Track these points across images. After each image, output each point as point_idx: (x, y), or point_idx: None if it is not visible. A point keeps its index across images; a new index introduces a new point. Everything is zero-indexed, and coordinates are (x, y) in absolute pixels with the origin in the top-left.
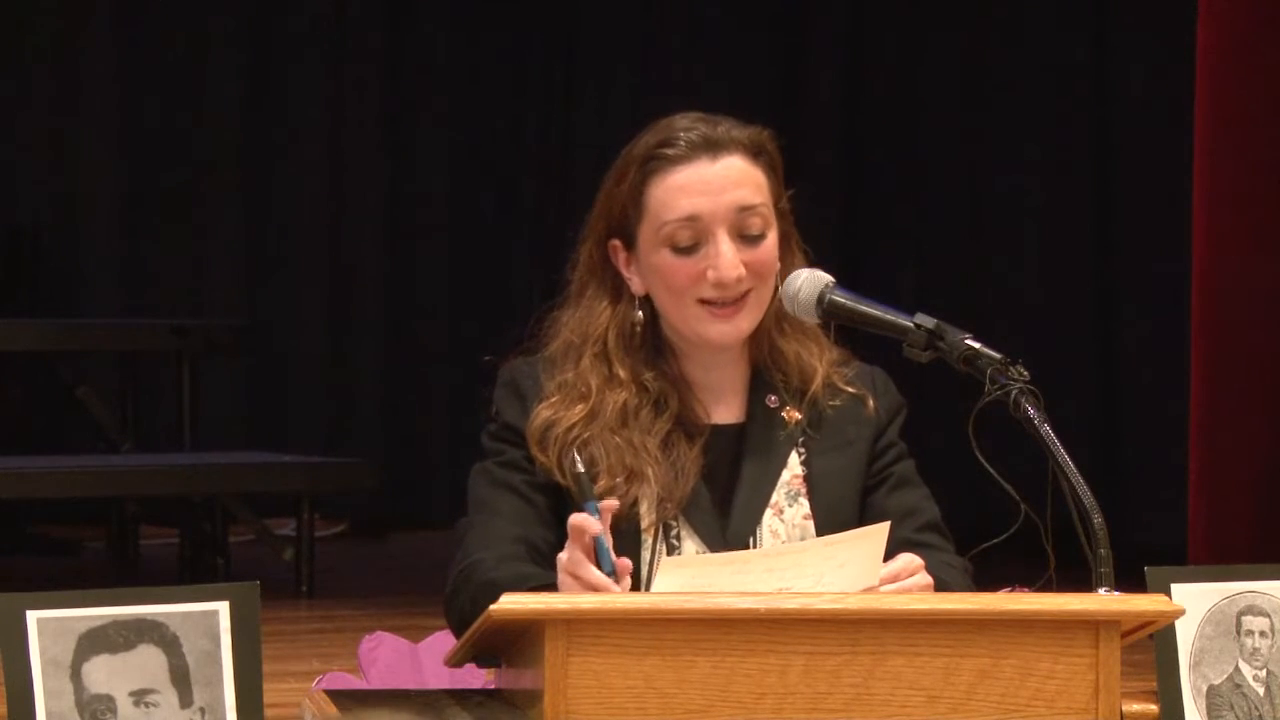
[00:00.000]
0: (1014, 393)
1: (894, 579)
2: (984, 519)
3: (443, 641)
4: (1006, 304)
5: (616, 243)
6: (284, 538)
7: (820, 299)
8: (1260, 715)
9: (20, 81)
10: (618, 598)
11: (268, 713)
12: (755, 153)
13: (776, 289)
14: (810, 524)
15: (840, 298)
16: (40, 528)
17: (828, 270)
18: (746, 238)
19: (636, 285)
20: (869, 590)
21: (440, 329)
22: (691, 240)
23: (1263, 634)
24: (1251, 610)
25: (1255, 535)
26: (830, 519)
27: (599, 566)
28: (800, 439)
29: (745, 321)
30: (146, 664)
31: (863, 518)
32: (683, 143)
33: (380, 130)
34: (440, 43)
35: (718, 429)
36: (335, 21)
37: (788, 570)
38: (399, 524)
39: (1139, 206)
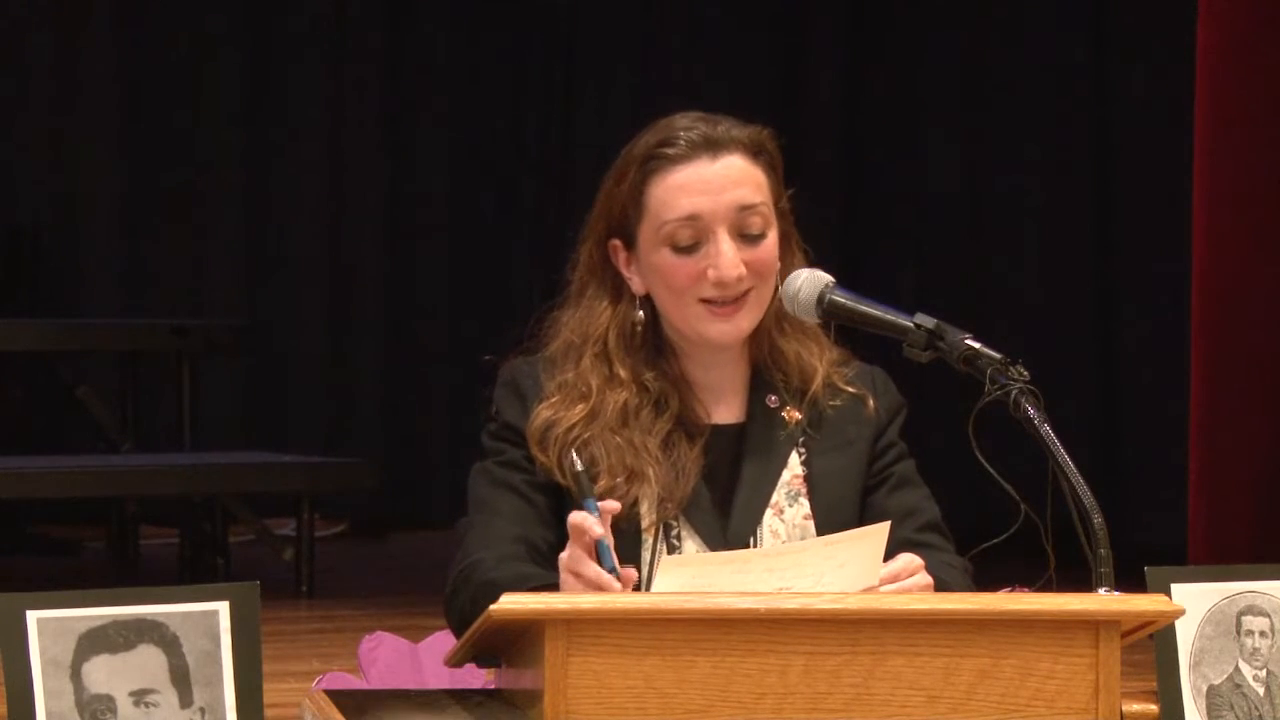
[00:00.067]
0: (1014, 393)
1: (894, 579)
2: (984, 519)
3: (443, 641)
4: (1006, 304)
5: (617, 242)
6: (284, 538)
7: (820, 299)
8: (1260, 715)
9: (20, 81)
10: (618, 598)
11: (268, 713)
12: (755, 152)
13: (777, 288)
14: (810, 524)
15: (840, 298)
16: (40, 528)
17: (828, 270)
18: (747, 237)
19: (637, 285)
20: (869, 590)
21: (440, 329)
22: (692, 239)
23: (1263, 634)
24: (1251, 610)
25: (1255, 535)
26: (830, 519)
27: (600, 565)
28: (800, 439)
29: (746, 321)
30: (146, 664)
31: (863, 518)
32: (683, 142)
33: (380, 130)
34: (440, 43)
35: (718, 429)
36: (335, 21)
37: (788, 570)
38: (399, 524)
39: (1139, 206)
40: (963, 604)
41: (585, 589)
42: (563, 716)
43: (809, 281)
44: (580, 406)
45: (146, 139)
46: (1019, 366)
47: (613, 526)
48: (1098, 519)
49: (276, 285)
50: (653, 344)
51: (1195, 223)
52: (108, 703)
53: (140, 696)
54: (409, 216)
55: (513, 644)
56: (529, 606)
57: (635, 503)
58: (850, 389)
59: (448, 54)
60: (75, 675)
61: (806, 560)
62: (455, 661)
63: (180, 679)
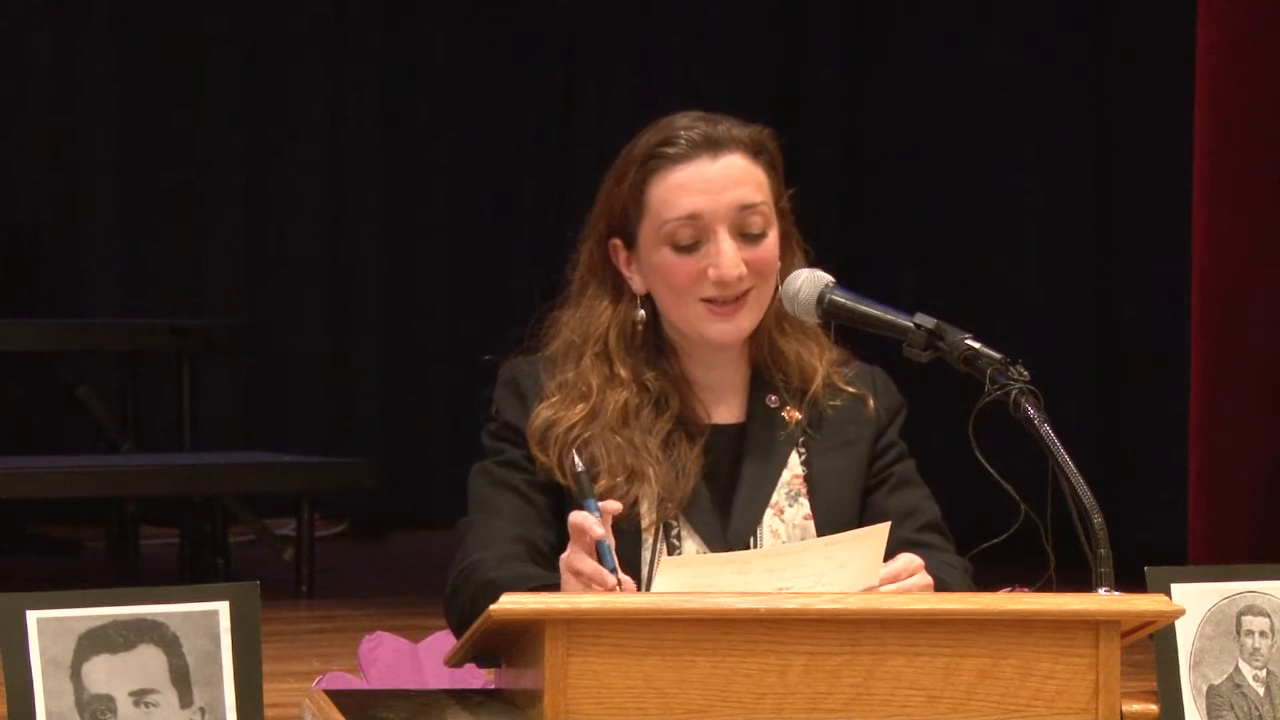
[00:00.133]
0: (1014, 393)
1: (894, 579)
2: (984, 519)
3: (443, 641)
4: (1006, 304)
5: (617, 242)
6: (284, 538)
7: (820, 299)
8: (1260, 715)
9: (20, 81)
10: (618, 598)
11: (268, 713)
12: (756, 151)
13: (777, 288)
14: (810, 524)
15: (840, 298)
16: (40, 528)
17: (828, 270)
18: (747, 236)
19: (637, 284)
20: (869, 590)
21: (440, 329)
22: (692, 239)
23: (1263, 634)
24: (1251, 610)
25: (1255, 535)
26: (830, 519)
27: (601, 566)
28: (800, 439)
29: (746, 320)
30: (146, 664)
31: (863, 518)
32: (683, 141)
33: (380, 130)
34: (440, 43)
35: (718, 429)
36: (335, 21)
37: (788, 570)
38: (399, 524)
39: (1139, 206)
40: (963, 604)
41: (585, 586)
42: (563, 716)
43: (809, 281)
44: (580, 406)
45: (146, 139)
46: (1019, 366)
47: (613, 526)
48: (1098, 519)
49: (276, 285)
50: (653, 344)
51: (1195, 223)
52: (108, 703)
53: (140, 696)
54: (409, 216)
55: (513, 644)
56: (529, 606)
57: (635, 502)
58: (850, 389)
59: (448, 54)
60: (75, 675)
61: (807, 560)
62: (455, 661)
63: (180, 679)
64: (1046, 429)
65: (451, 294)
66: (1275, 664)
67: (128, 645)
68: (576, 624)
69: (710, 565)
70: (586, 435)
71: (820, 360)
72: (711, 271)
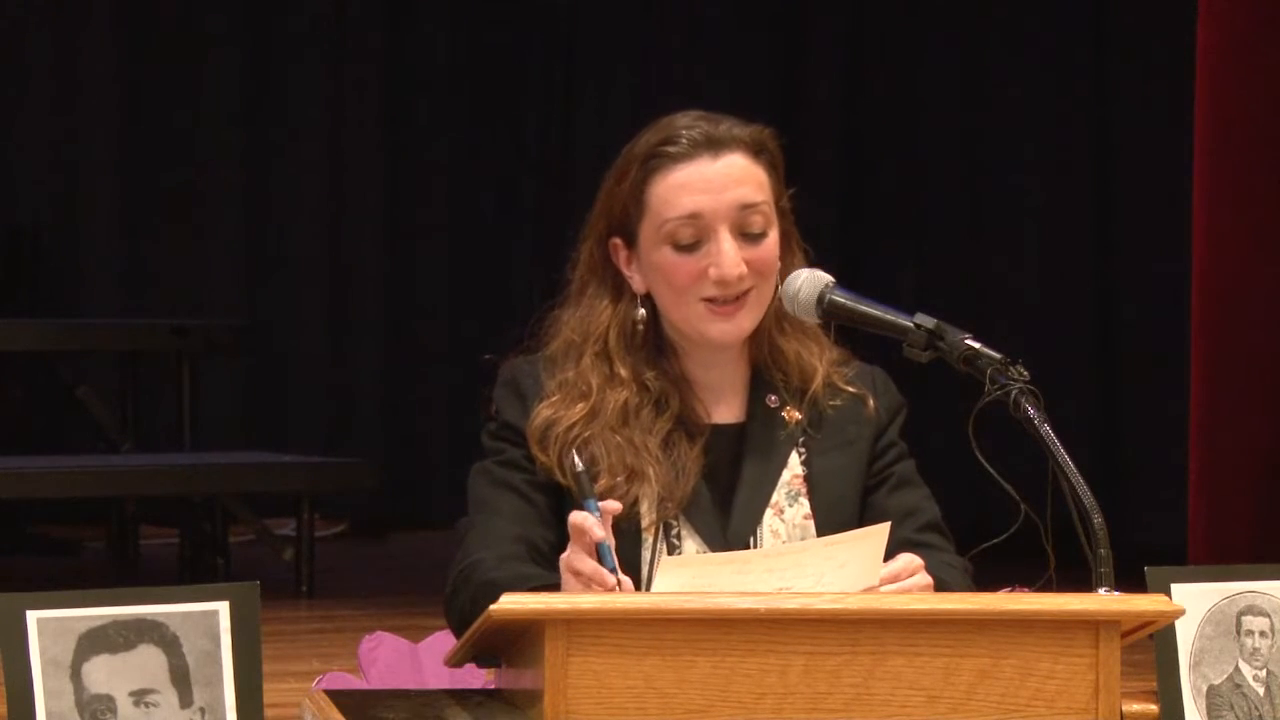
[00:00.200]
0: (1014, 393)
1: (894, 579)
2: (984, 519)
3: (443, 641)
4: (1006, 304)
5: (617, 241)
6: (284, 538)
7: (820, 299)
8: (1260, 715)
9: (20, 81)
10: (618, 598)
11: (268, 713)
12: (757, 151)
13: (777, 288)
14: (810, 524)
15: (840, 298)
16: (40, 528)
17: (828, 270)
18: (748, 236)
19: (637, 284)
20: (869, 590)
21: (440, 329)
22: (693, 238)
23: (1263, 634)
24: (1251, 610)
25: (1255, 535)
26: (830, 519)
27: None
28: (800, 439)
29: (746, 320)
30: (146, 664)
31: (863, 518)
32: (685, 140)
33: (380, 130)
34: (440, 43)
35: (718, 428)
36: (335, 21)
37: (788, 570)
38: (399, 524)
39: (1139, 206)
40: (963, 604)
41: (584, 586)
42: (563, 716)
43: (809, 281)
44: (580, 405)
45: (146, 139)
46: (1019, 366)
47: (613, 526)
48: (1098, 519)
49: (276, 285)
50: (653, 343)
51: (1195, 223)
52: (108, 703)
53: (140, 696)
54: (409, 216)
55: (513, 644)
56: (529, 606)
57: (635, 502)
58: (850, 389)
59: (448, 54)
60: (75, 675)
61: (807, 560)
62: (455, 661)
63: (180, 679)
64: (1046, 429)
65: (451, 294)
66: (1275, 664)
67: (128, 645)
68: (576, 624)
69: (710, 565)
70: (586, 435)
71: (820, 360)
72: (712, 271)
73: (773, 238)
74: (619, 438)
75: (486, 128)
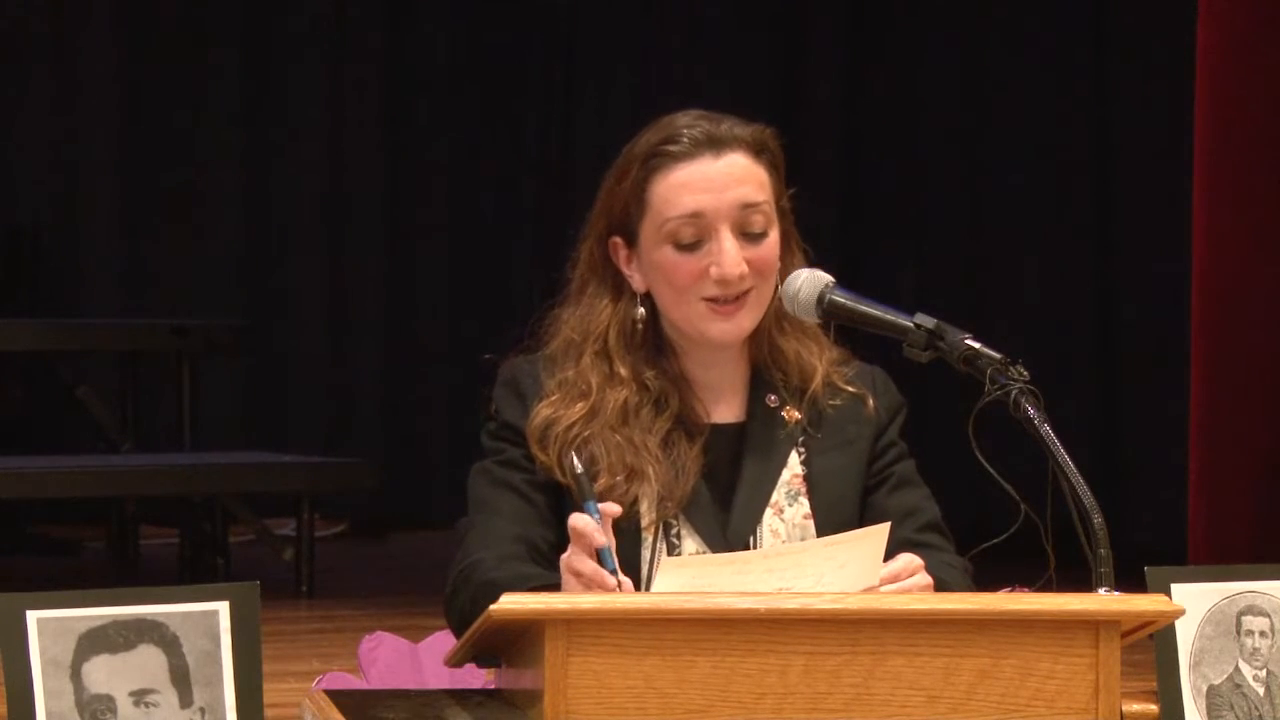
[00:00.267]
0: (1014, 393)
1: (894, 579)
2: (984, 519)
3: (443, 641)
4: (1006, 304)
5: (617, 240)
6: (284, 538)
7: (820, 299)
8: (1260, 715)
9: (20, 81)
10: (618, 598)
11: (268, 713)
12: (758, 150)
13: (777, 288)
14: (810, 523)
15: (840, 298)
16: (40, 528)
17: (828, 270)
18: (749, 235)
19: (637, 283)
20: (869, 590)
21: (440, 329)
22: (695, 237)
23: (1263, 634)
24: (1251, 610)
25: (1255, 535)
26: (830, 518)
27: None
28: (800, 438)
29: (747, 320)
30: (146, 664)
31: (863, 518)
32: (686, 139)
33: (380, 130)
34: (440, 43)
35: (718, 428)
36: (335, 21)
37: (788, 570)
38: (399, 524)
39: (1139, 206)
40: (963, 604)
41: (585, 587)
42: (563, 716)
43: (809, 281)
44: (580, 405)
45: (146, 139)
46: (1019, 366)
47: (613, 525)
48: (1098, 519)
49: (276, 285)
50: (653, 343)
51: (1195, 223)
52: (108, 703)
53: (140, 696)
54: (409, 216)
55: (513, 644)
56: (529, 606)
57: (635, 501)
58: (850, 388)
59: (448, 54)
60: (75, 675)
61: (807, 561)
62: (455, 661)
63: (180, 679)
64: (1046, 429)
65: (451, 294)
66: (1275, 664)
67: (128, 645)
68: (576, 624)
69: (710, 565)
70: (586, 434)
71: (820, 360)
72: (713, 270)
73: (773, 237)
74: (618, 437)
75: (486, 128)
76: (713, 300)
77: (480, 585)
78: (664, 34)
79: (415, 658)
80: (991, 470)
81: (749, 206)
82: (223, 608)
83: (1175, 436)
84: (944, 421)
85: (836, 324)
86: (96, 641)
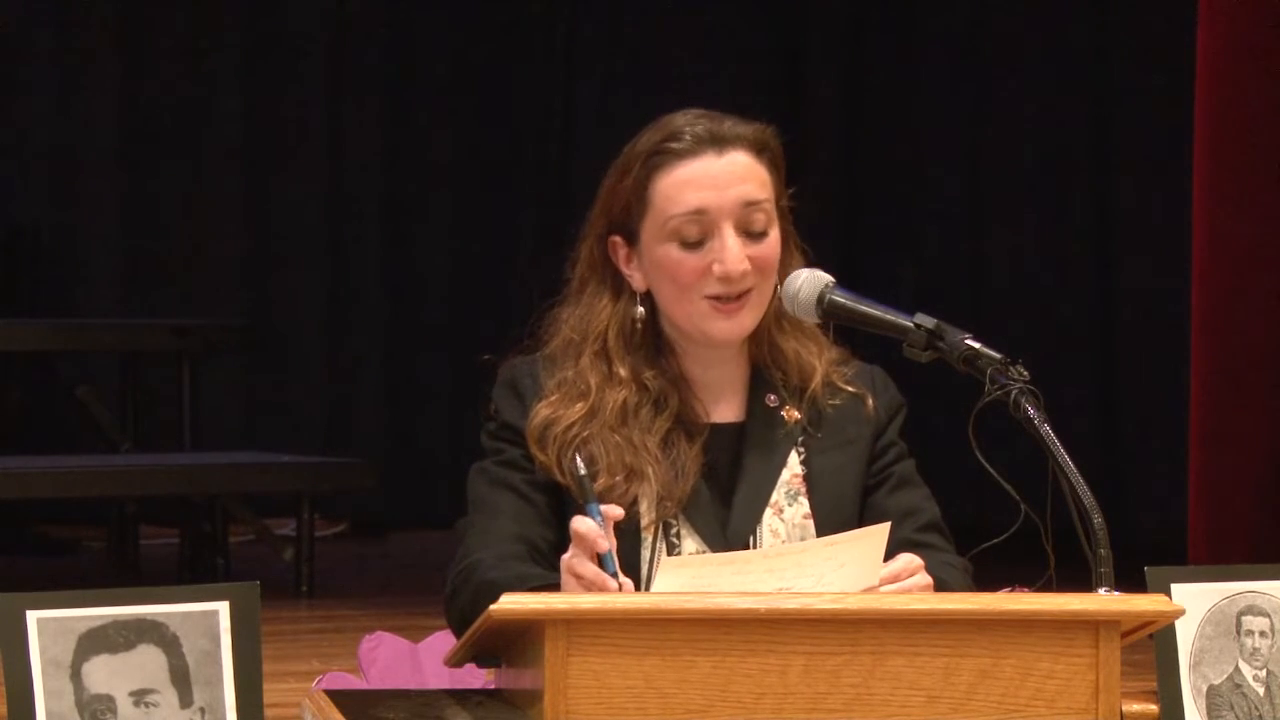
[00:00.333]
0: (1014, 393)
1: (894, 579)
2: (984, 519)
3: (443, 641)
4: (1006, 305)
5: (617, 239)
6: (284, 538)
7: (820, 299)
8: (1260, 715)
9: (20, 81)
10: (618, 598)
11: (268, 713)
12: (760, 149)
13: (777, 288)
14: (810, 523)
15: (840, 298)
16: (40, 528)
17: (828, 270)
18: (751, 233)
19: (637, 282)
20: (869, 590)
21: (440, 329)
22: (698, 235)
23: (1263, 634)
24: (1251, 610)
25: (1255, 535)
26: (830, 518)
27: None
28: (800, 438)
29: (748, 319)
30: (146, 664)
31: (863, 517)
32: (688, 138)
33: (380, 130)
34: (440, 43)
35: (718, 428)
36: (335, 21)
37: (788, 570)
38: (399, 524)
39: (1139, 207)
40: (963, 604)
41: (585, 589)
42: (563, 716)
43: (809, 281)
44: (579, 405)
45: (146, 139)
46: (1019, 366)
47: (613, 526)
48: (1098, 519)
49: (276, 285)
50: (652, 342)
51: (1195, 223)
52: (108, 703)
53: (140, 696)
54: (409, 217)
55: (513, 644)
56: (529, 606)
57: (635, 501)
58: (850, 388)
59: (448, 54)
60: (75, 675)
61: (807, 561)
62: (455, 661)
63: (180, 679)
64: (1046, 429)
65: (451, 294)
66: (1275, 664)
67: (128, 645)
68: (576, 624)
69: (710, 565)
70: (585, 434)
71: (819, 359)
72: (716, 267)
73: (774, 236)
74: (618, 437)
75: (487, 128)
76: (715, 299)
77: (480, 585)
78: (664, 34)
79: (415, 658)
80: (991, 470)
81: (751, 204)
82: (223, 608)
83: (1175, 436)
84: (944, 421)
85: (836, 324)
86: (96, 641)
